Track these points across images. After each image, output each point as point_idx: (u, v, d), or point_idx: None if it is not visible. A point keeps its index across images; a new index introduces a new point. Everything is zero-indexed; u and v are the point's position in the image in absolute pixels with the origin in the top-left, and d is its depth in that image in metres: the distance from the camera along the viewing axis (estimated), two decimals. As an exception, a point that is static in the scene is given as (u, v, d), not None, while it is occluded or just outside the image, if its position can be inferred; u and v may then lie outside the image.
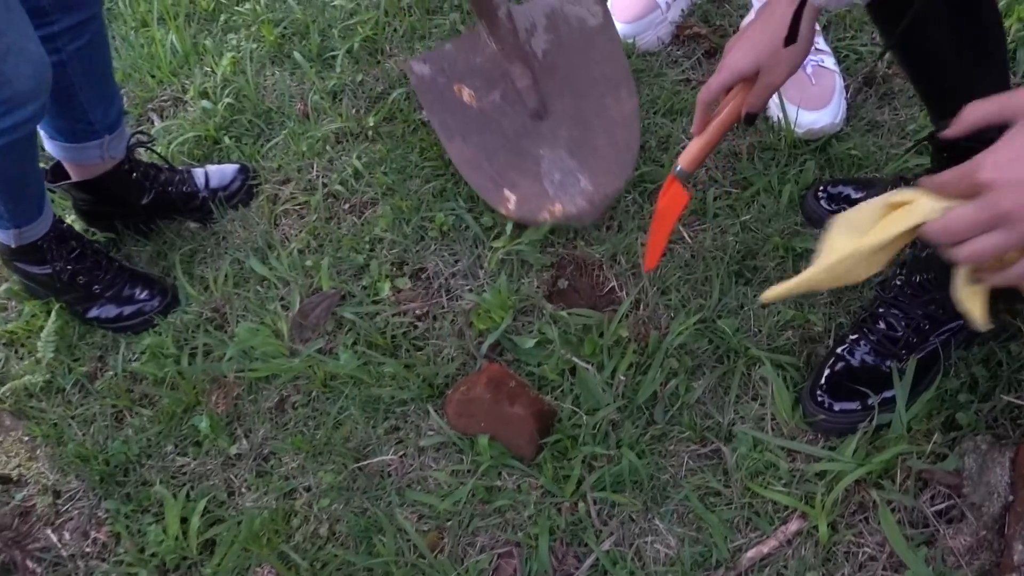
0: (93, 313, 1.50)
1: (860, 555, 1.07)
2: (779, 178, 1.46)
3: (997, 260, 0.69)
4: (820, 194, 1.41)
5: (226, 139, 1.71)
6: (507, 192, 1.45)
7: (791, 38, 0.93)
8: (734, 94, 1.06)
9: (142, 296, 1.50)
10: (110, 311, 1.49)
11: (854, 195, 1.39)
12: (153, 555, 1.24)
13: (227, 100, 1.77)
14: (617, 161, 1.46)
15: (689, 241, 1.41)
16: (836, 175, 1.47)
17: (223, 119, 1.75)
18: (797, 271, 1.34)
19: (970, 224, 0.66)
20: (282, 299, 1.47)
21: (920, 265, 1.16)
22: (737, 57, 0.99)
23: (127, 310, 1.49)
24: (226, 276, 1.52)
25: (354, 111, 1.73)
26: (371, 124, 1.66)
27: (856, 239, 0.79)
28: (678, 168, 1.13)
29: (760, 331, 1.29)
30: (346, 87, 1.78)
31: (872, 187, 1.38)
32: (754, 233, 1.41)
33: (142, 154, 1.56)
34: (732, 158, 1.51)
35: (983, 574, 0.99)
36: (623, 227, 1.44)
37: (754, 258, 1.38)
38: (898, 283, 1.18)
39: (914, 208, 0.73)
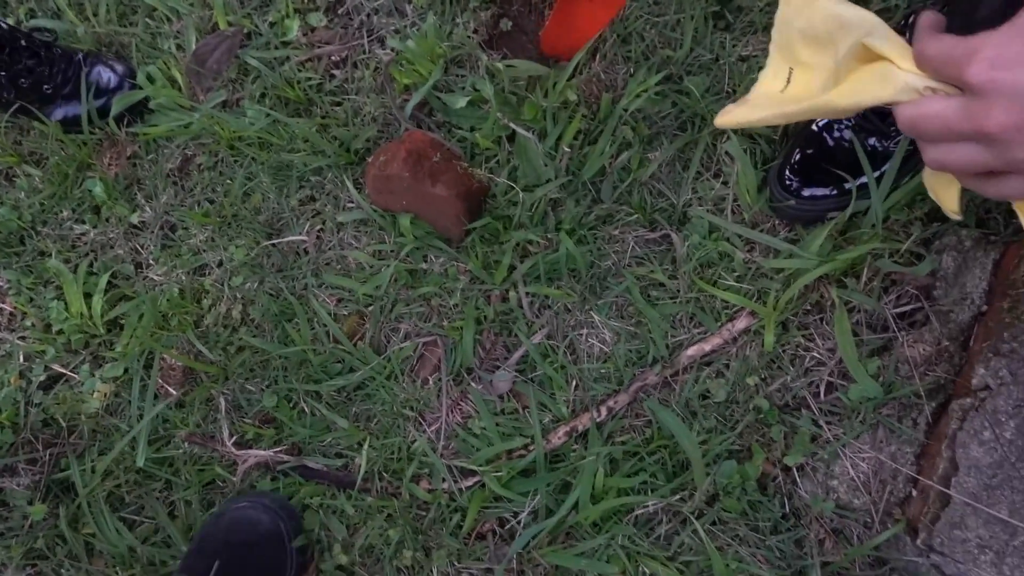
0: (59, 115, 1.24)
1: (807, 360, 0.98)
2: None
3: None
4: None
5: None
6: None
7: None
8: None
9: (108, 81, 1.22)
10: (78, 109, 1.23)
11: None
12: (60, 332, 1.16)
13: None
14: None
15: (662, -29, 1.15)
16: None
17: None
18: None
19: (945, 128, 0.51)
20: (176, 36, 1.24)
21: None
22: None
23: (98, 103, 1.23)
24: (107, 6, 1.26)
25: None
26: None
27: (816, 80, 0.63)
28: None
29: (734, 92, 1.09)
30: None
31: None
32: (743, -38, 1.14)
33: None
34: None
35: (935, 390, 0.91)
36: (583, -49, 1.16)
37: (735, -6, 1.13)
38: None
39: (888, 75, 0.55)
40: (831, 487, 0.94)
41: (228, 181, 1.17)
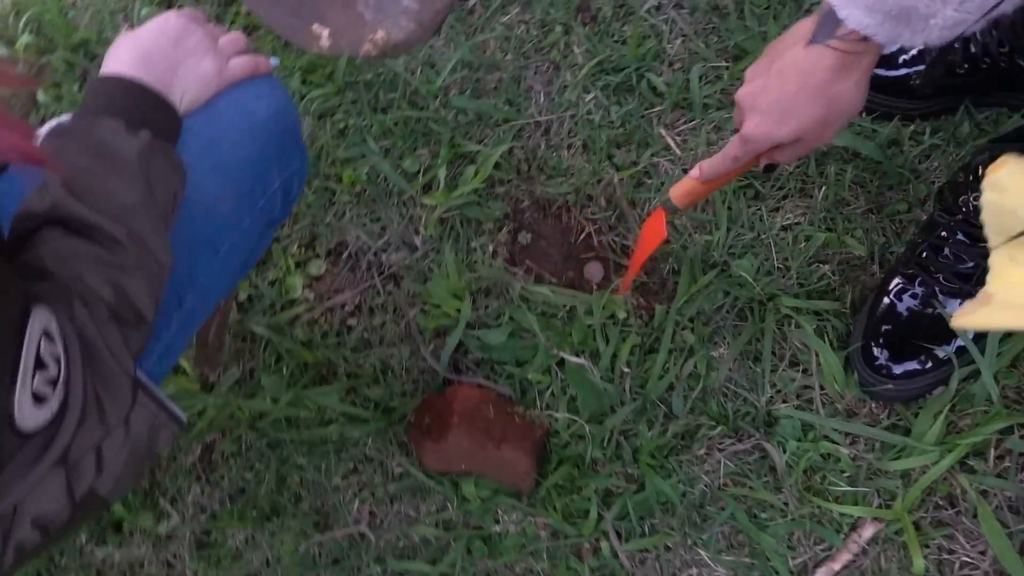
0: None
1: (955, 564, 0.87)
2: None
3: None
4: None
5: (41, 94, 1.27)
6: (316, 27, 1.18)
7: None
8: None
9: None
10: None
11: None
12: None
13: (27, 38, 1.29)
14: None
15: (678, 151, 1.08)
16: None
17: (27, 67, 1.29)
18: (823, 173, 1.04)
19: None
20: (172, 316, 1.14)
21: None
22: (770, 126, 0.70)
23: None
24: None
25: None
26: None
27: None
28: (667, 200, 0.85)
29: (787, 268, 1.01)
30: (181, -18, 1.31)
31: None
32: (760, 128, 1.07)
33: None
34: (714, 15, 1.13)
35: (1116, 582, 0.81)
36: (588, 147, 1.10)
37: (769, 177, 1.06)
38: (972, 201, 0.88)
39: None
40: None
41: (258, 465, 1.06)
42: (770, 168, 0.78)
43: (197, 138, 0.69)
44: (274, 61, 0.77)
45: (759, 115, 0.71)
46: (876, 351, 0.92)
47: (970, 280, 0.89)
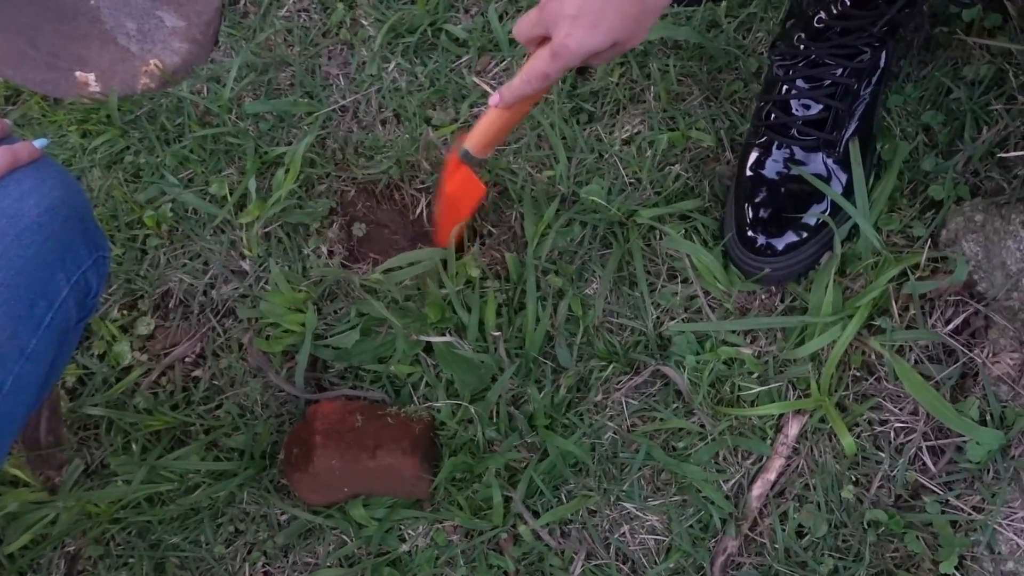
0: None
1: (890, 434, 0.79)
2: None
3: None
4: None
5: None
6: (80, 75, 1.07)
7: None
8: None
9: None
10: None
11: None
12: None
13: None
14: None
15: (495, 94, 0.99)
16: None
17: None
18: (649, 75, 0.96)
19: None
20: (-3, 425, 1.00)
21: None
22: (583, 34, 0.62)
23: None
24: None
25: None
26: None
27: None
28: (463, 150, 0.78)
29: (639, 180, 0.92)
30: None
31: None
32: (572, 46, 0.99)
33: None
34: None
35: (1055, 399, 0.73)
36: (401, 116, 1.00)
37: (586, 80, 0.98)
38: (800, 38, 0.82)
39: None
40: (1008, 572, 0.73)
41: (130, 560, 0.92)
42: (583, 71, 0.70)
43: None
44: (40, 143, 0.64)
45: (568, 24, 0.63)
46: (751, 233, 0.84)
47: (823, 126, 0.82)
